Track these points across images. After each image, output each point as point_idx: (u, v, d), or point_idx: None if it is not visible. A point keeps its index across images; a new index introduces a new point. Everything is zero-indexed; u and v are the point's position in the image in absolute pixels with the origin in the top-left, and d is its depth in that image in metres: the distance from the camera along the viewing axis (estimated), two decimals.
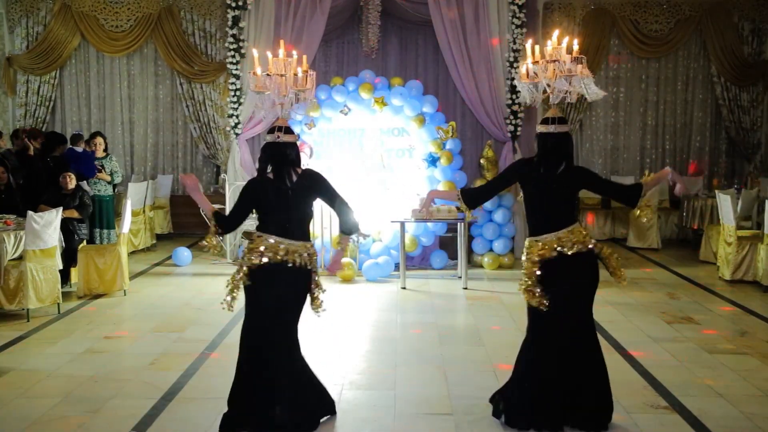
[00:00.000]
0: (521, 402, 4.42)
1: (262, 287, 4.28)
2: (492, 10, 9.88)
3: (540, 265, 4.35)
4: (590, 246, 4.36)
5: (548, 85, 4.39)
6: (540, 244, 4.37)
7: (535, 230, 4.44)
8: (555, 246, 4.33)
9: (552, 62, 4.37)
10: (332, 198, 4.44)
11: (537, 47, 4.53)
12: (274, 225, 4.32)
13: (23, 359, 5.86)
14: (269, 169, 4.37)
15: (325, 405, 4.64)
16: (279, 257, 4.26)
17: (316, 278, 4.45)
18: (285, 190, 4.31)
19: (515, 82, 4.66)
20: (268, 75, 4.48)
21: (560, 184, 4.39)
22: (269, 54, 4.53)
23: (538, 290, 4.34)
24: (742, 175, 12.01)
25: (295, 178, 4.34)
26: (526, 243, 4.48)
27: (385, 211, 9.22)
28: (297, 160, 4.40)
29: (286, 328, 4.38)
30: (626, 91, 12.40)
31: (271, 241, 4.27)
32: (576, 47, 4.44)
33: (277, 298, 4.30)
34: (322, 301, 4.50)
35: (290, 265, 4.27)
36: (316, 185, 4.40)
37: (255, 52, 4.84)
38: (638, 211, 4.49)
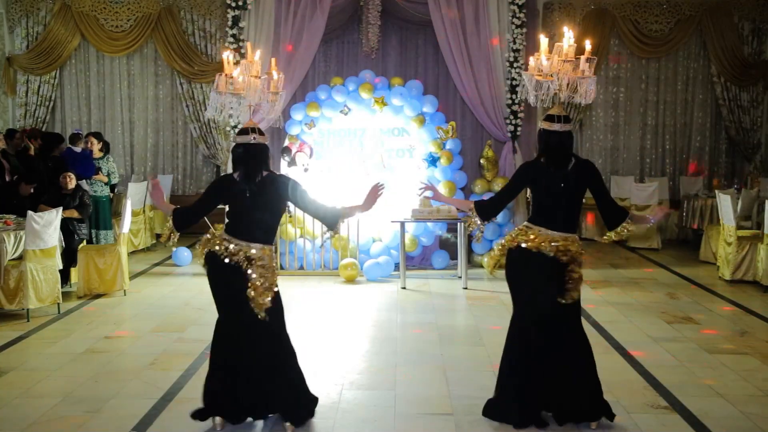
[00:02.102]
0: (508, 397, 4.45)
1: (219, 283, 4.42)
2: (492, 10, 9.87)
3: (520, 248, 4.35)
4: (578, 264, 4.37)
5: (559, 84, 4.40)
6: (533, 234, 4.36)
7: (539, 222, 4.42)
8: (550, 242, 4.33)
9: (567, 62, 4.37)
10: (304, 204, 4.44)
11: (546, 41, 4.54)
12: (234, 225, 4.38)
13: (23, 359, 5.86)
14: (239, 168, 4.40)
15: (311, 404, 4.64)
16: (228, 256, 4.28)
17: (256, 281, 4.28)
18: (245, 190, 4.32)
19: (524, 76, 4.63)
20: (232, 76, 4.54)
21: (572, 182, 4.39)
22: (227, 55, 4.57)
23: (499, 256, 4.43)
24: (742, 175, 12.01)
25: (258, 179, 4.34)
26: (524, 223, 4.48)
27: (385, 211, 9.22)
28: (267, 163, 4.42)
29: (255, 327, 4.38)
30: (626, 91, 12.40)
31: (228, 239, 4.32)
32: (589, 47, 4.45)
33: (232, 297, 4.38)
34: (260, 303, 4.31)
35: (233, 263, 4.28)
36: (284, 191, 4.38)
37: (226, 54, 4.86)
38: (609, 236, 4.55)
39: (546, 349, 4.37)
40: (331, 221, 4.44)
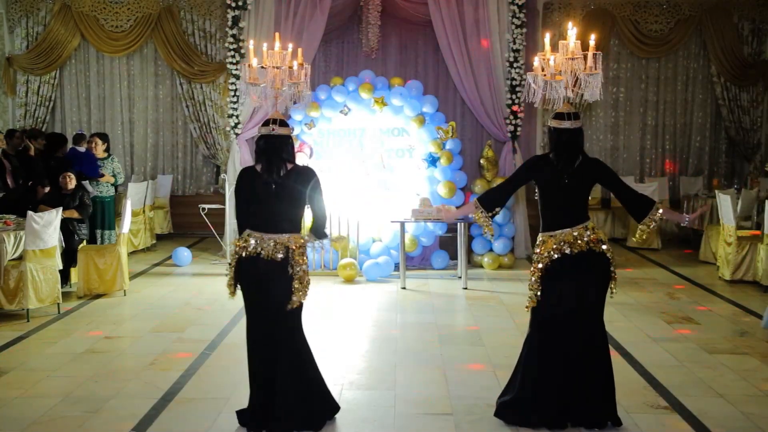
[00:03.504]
0: (524, 398, 4.44)
1: (246, 279, 4.35)
2: (492, 10, 9.87)
3: (552, 261, 4.35)
4: (603, 247, 4.37)
5: (573, 83, 4.40)
6: (554, 239, 4.38)
7: (550, 226, 4.43)
8: (570, 241, 4.33)
9: (573, 59, 4.36)
10: (313, 200, 4.43)
11: (547, 39, 4.54)
12: (256, 218, 4.36)
13: (23, 359, 5.86)
14: (260, 161, 4.37)
15: (329, 408, 4.63)
16: (253, 249, 4.29)
17: (298, 274, 4.33)
18: (270, 183, 4.30)
19: (528, 77, 4.64)
20: (262, 68, 4.50)
21: (577, 178, 4.39)
22: (265, 46, 4.55)
23: (540, 289, 4.37)
24: (742, 175, 12.01)
25: (283, 173, 4.31)
26: (539, 238, 4.48)
27: (385, 211, 9.23)
28: (290, 155, 4.38)
29: (277, 320, 4.35)
30: (626, 91, 12.39)
31: (250, 234, 4.34)
32: (592, 43, 4.44)
33: (258, 290, 4.33)
34: (296, 301, 4.34)
35: (265, 257, 4.28)
36: (306, 183, 4.36)
37: (251, 44, 4.85)
38: (642, 229, 4.47)
39: (565, 351, 4.35)
40: (319, 231, 4.52)
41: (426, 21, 10.23)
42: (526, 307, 4.48)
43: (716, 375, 5.45)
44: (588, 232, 4.37)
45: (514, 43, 9.90)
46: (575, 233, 4.36)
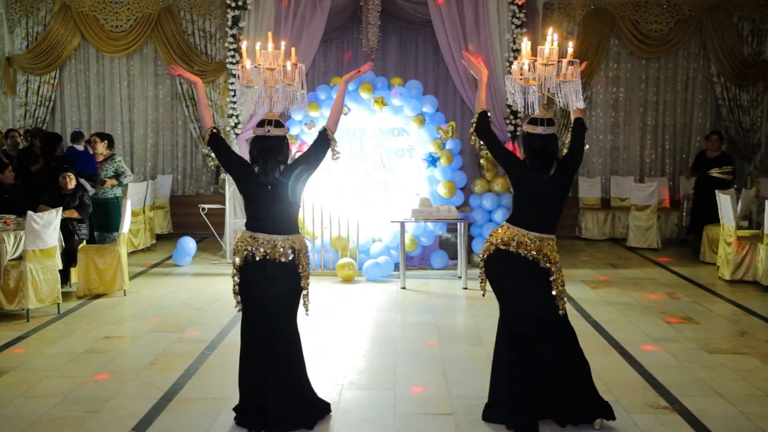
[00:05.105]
0: (500, 398, 4.47)
1: (250, 282, 4.34)
2: (492, 10, 9.87)
3: (497, 250, 4.39)
4: (548, 265, 4.34)
5: (549, 90, 4.39)
6: (509, 232, 4.39)
7: (515, 220, 4.46)
8: (521, 241, 4.33)
9: (548, 65, 4.36)
10: (309, 155, 4.49)
11: (528, 45, 4.55)
12: (255, 220, 4.37)
13: (23, 359, 5.86)
14: (256, 162, 4.37)
15: (321, 408, 4.65)
16: (261, 252, 4.28)
17: (303, 275, 4.41)
18: (266, 184, 4.30)
19: (506, 80, 4.65)
20: (256, 67, 4.49)
21: (553, 185, 4.38)
22: (258, 45, 4.54)
23: (484, 275, 4.54)
24: (742, 175, 12.00)
25: (277, 175, 4.32)
26: (501, 224, 4.53)
27: (385, 211, 9.23)
28: (285, 156, 4.39)
29: (278, 322, 4.37)
30: (626, 91, 12.39)
31: (252, 236, 4.33)
32: (570, 50, 4.43)
33: (263, 292, 4.32)
34: (306, 303, 4.48)
35: (272, 259, 4.29)
36: (298, 168, 4.38)
37: (244, 44, 4.84)
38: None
39: (537, 351, 4.36)
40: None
41: (426, 21, 10.22)
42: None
43: (716, 375, 5.45)
44: (543, 245, 4.34)
45: (514, 43, 9.90)
46: (528, 238, 4.35)
